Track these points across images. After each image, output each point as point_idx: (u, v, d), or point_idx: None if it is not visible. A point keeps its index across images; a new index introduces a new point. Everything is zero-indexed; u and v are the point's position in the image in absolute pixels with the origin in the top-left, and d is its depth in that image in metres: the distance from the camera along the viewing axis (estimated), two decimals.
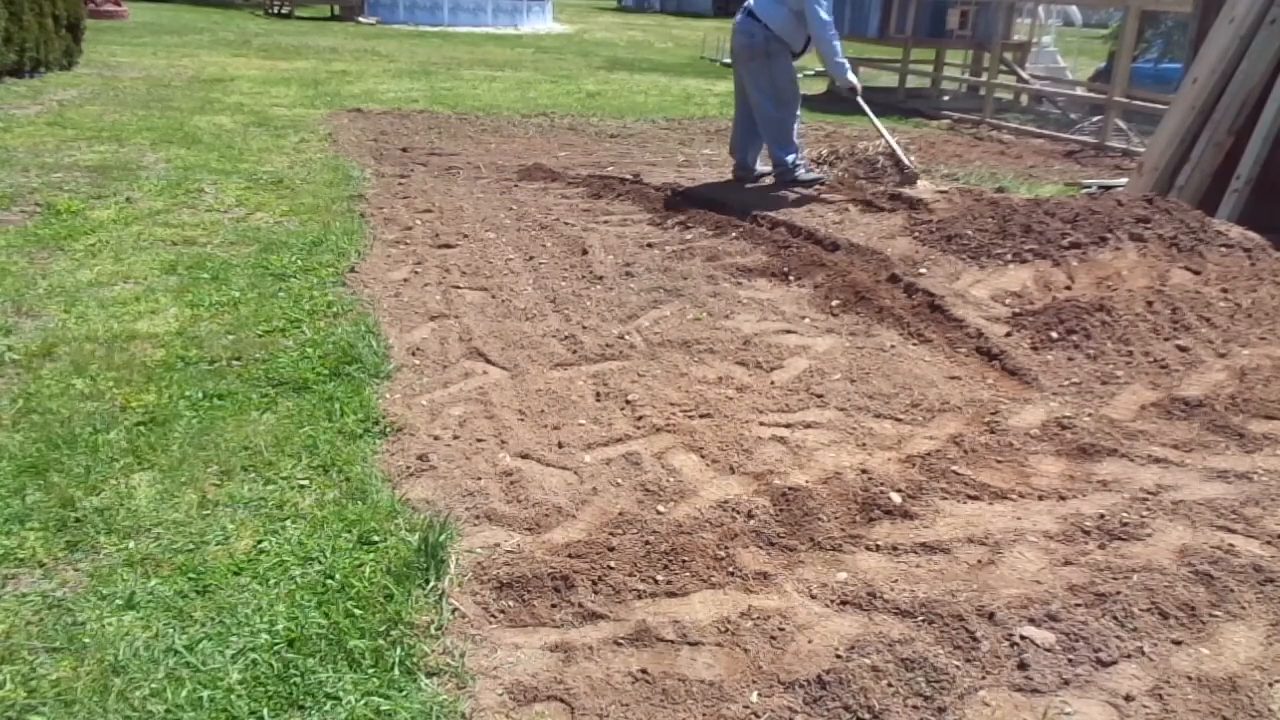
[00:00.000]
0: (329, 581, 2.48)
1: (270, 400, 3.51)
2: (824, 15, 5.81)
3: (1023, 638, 2.27)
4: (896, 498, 2.90)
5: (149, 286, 4.65)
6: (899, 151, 6.46)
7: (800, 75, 7.22)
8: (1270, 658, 2.25)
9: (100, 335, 4.01)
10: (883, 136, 6.54)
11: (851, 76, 6.11)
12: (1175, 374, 3.87)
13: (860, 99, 6.36)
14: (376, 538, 2.67)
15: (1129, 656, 2.24)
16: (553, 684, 2.17)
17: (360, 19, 26.60)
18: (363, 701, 2.07)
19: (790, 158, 6.30)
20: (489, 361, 3.96)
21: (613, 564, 2.58)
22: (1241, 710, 2.09)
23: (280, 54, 16.94)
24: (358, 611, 2.36)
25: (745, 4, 6.05)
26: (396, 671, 2.17)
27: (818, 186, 6.14)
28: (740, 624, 2.35)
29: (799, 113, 6.28)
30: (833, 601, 2.45)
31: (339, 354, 3.86)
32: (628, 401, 3.57)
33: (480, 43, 22.70)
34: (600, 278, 4.98)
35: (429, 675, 2.18)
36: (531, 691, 2.14)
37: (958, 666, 2.19)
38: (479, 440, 3.28)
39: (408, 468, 3.09)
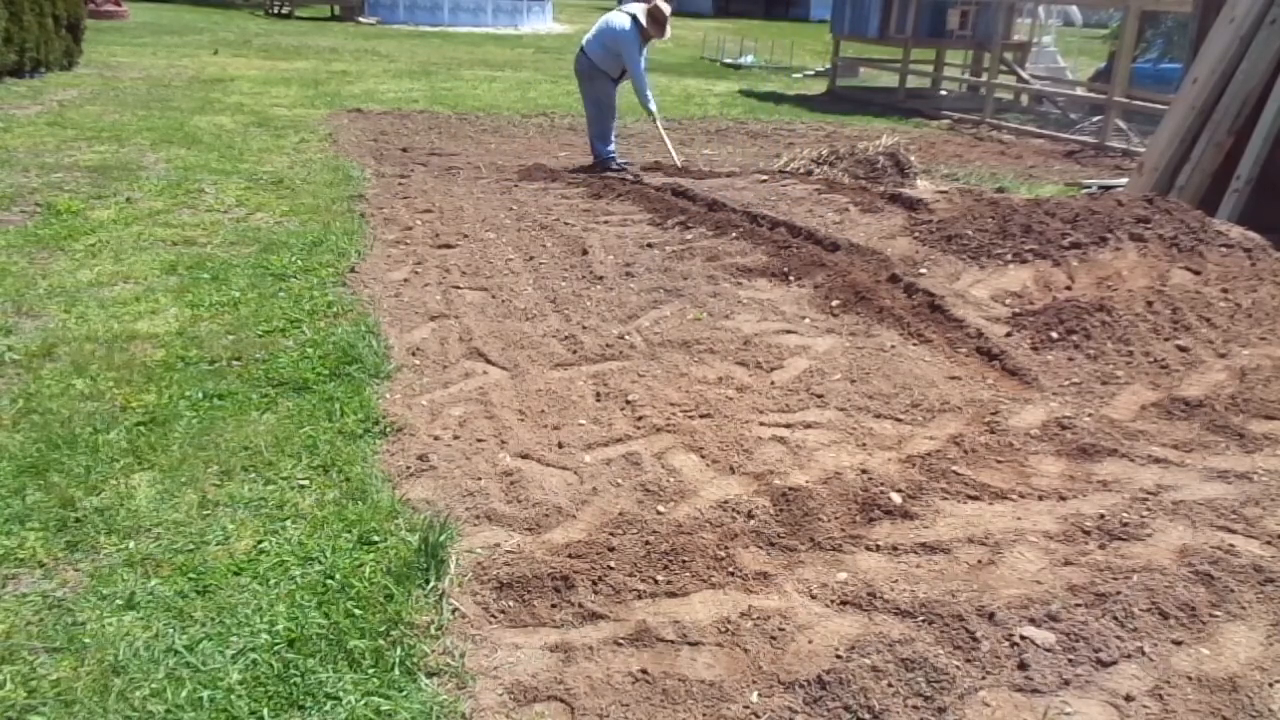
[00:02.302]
0: (329, 581, 2.48)
1: (270, 400, 3.51)
2: (638, 66, 7.76)
3: (1023, 638, 2.27)
4: (896, 498, 2.90)
5: (149, 286, 4.65)
6: (670, 149, 8.41)
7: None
8: (1270, 658, 2.24)
9: (100, 335, 4.01)
10: (665, 144, 8.45)
11: (653, 106, 8.10)
12: (1175, 374, 3.87)
13: (659, 124, 8.41)
14: (376, 538, 2.67)
15: (1129, 656, 2.24)
16: (553, 684, 2.16)
17: (360, 19, 26.61)
18: (363, 701, 2.07)
19: (606, 149, 8.13)
20: (489, 361, 3.96)
21: (613, 564, 2.58)
22: (1241, 710, 2.09)
23: (280, 54, 16.95)
24: (358, 611, 2.35)
25: (581, 44, 7.96)
26: (396, 671, 2.16)
27: (628, 171, 7.91)
28: (740, 624, 2.35)
29: (615, 119, 8.24)
30: (833, 601, 2.45)
31: (339, 354, 3.86)
32: (628, 401, 3.57)
33: (480, 43, 22.71)
34: (600, 278, 4.98)
35: (429, 675, 2.18)
36: (531, 691, 2.14)
37: (958, 666, 2.19)
38: (479, 440, 3.28)
39: (408, 468, 3.09)
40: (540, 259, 5.33)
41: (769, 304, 4.62)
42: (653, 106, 8.12)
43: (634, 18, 7.65)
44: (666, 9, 7.64)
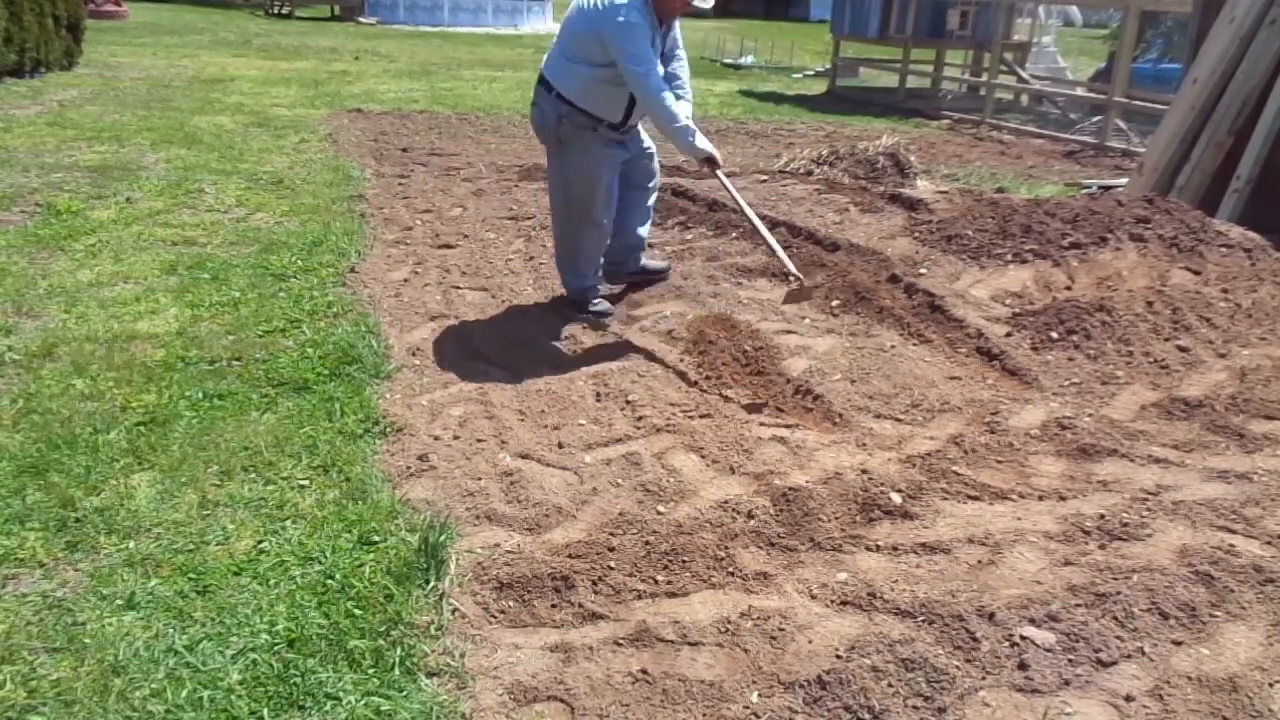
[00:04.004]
0: (329, 582, 2.48)
1: (270, 400, 3.51)
2: (637, 69, 3.84)
3: (1023, 638, 2.27)
4: (896, 498, 2.90)
5: (149, 287, 4.65)
6: (783, 258, 4.12)
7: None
8: (1270, 658, 2.24)
9: (100, 335, 4.01)
10: (763, 237, 4.17)
11: (704, 144, 4.06)
12: (1175, 374, 3.87)
13: (721, 173, 4.17)
14: (376, 538, 2.67)
15: (1129, 657, 2.24)
16: (553, 684, 2.16)
17: (360, 19, 26.63)
18: (363, 702, 2.07)
19: (579, 285, 4.50)
20: (489, 361, 3.96)
21: (613, 564, 2.58)
22: (1241, 710, 2.09)
23: (280, 54, 16.95)
24: (358, 612, 2.35)
25: (541, 70, 4.30)
26: (397, 672, 2.17)
27: (604, 322, 4.40)
28: (740, 624, 2.35)
29: (606, 227, 4.39)
30: (833, 602, 2.45)
31: (339, 354, 3.86)
32: (628, 401, 3.57)
33: (480, 43, 22.70)
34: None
35: (429, 675, 2.18)
36: (531, 692, 2.14)
37: (958, 667, 2.19)
38: (479, 440, 3.28)
39: (408, 468, 3.09)
40: (540, 259, 5.33)
41: (769, 304, 4.62)
42: (707, 146, 4.09)
43: None
44: None
